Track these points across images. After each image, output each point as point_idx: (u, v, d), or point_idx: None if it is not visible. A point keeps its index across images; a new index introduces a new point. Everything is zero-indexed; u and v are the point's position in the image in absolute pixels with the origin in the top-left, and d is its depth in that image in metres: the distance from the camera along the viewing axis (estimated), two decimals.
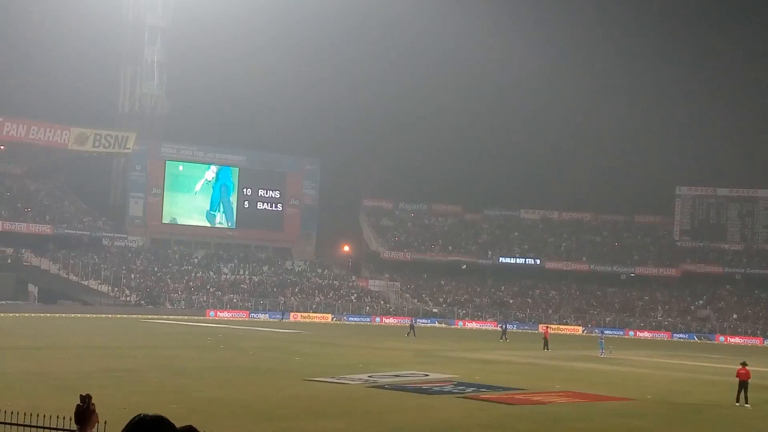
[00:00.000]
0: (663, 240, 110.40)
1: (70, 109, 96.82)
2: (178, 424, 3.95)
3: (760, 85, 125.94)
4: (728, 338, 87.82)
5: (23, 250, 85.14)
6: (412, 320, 72.90)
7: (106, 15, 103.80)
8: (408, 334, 63.95)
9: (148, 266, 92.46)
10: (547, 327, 67.10)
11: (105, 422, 9.88)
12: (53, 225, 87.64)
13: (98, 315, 73.70)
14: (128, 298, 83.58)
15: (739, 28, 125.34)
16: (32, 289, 78.63)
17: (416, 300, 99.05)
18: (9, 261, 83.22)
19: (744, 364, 29.09)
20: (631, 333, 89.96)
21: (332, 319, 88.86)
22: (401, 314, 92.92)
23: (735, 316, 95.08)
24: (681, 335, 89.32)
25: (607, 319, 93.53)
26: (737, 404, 28.11)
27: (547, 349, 53.90)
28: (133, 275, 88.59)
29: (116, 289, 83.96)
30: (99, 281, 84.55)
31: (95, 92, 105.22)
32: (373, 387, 28.50)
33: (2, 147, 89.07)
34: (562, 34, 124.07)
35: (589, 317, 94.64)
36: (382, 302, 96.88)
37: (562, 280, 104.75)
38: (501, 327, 70.17)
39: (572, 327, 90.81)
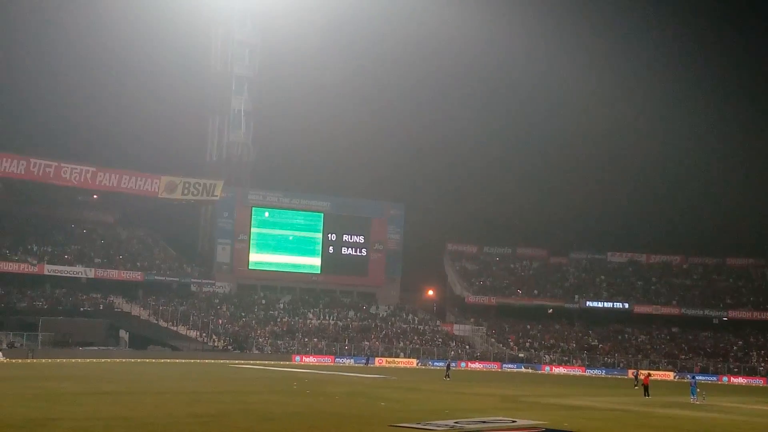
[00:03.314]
0: (756, 282, 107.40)
1: (160, 158, 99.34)
2: None
3: None
4: None
5: (115, 297, 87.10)
6: (448, 362, 72.36)
7: (195, 66, 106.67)
8: (446, 377, 63.19)
9: (235, 312, 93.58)
10: (648, 374, 64.71)
11: None
12: (143, 272, 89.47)
13: (187, 360, 74.73)
14: (216, 344, 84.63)
15: None
16: (123, 334, 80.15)
17: (501, 344, 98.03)
18: (101, 307, 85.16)
19: None
20: (725, 379, 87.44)
21: (417, 364, 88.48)
22: (487, 359, 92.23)
23: None
24: None
25: (700, 364, 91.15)
26: None
27: (647, 395, 52.51)
28: (220, 321, 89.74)
29: (204, 334, 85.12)
30: (187, 327, 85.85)
31: (184, 141, 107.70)
32: None
33: (95, 196, 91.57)
34: (655, 77, 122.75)
35: (680, 362, 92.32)
36: (467, 347, 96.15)
37: (652, 324, 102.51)
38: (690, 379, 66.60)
39: (663, 372, 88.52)
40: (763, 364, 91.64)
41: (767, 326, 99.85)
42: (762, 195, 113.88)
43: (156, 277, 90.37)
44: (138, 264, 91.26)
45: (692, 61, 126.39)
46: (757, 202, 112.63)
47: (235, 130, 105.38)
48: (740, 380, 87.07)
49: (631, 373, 71.08)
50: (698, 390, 52.42)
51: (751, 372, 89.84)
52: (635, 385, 63.00)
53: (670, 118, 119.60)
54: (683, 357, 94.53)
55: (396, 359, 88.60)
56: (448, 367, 67.69)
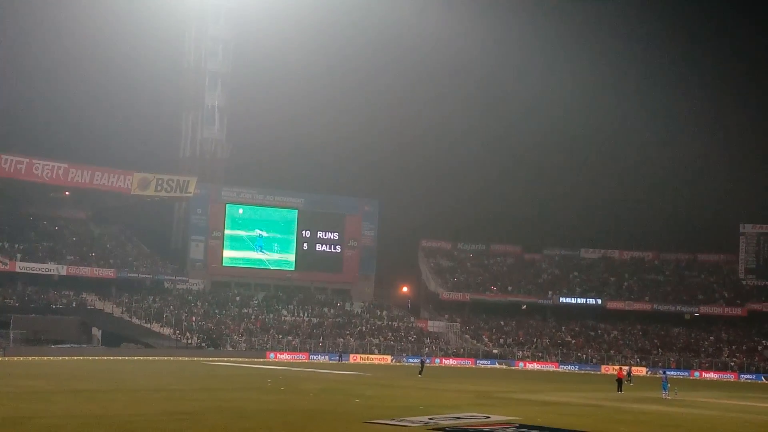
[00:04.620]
0: (728, 279, 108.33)
1: (133, 154, 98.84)
2: None
3: None
4: None
5: (87, 294, 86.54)
6: (422, 358, 72.25)
7: (168, 62, 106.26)
8: (420, 373, 63.07)
9: (208, 309, 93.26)
10: (620, 368, 65.43)
11: None
12: (116, 269, 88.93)
13: (160, 358, 74.40)
14: (189, 341, 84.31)
15: None
16: (96, 332, 79.70)
17: (476, 341, 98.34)
18: (73, 304, 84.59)
19: None
20: (697, 374, 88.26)
21: (391, 360, 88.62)
22: (462, 355, 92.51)
23: None
24: (748, 376, 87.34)
25: (672, 359, 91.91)
26: None
27: (620, 391, 52.95)
28: (194, 318, 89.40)
29: (178, 332, 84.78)
30: (161, 324, 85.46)
31: (157, 138, 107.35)
32: (434, 429, 28.24)
33: (67, 193, 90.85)
34: (623, 73, 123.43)
35: (652, 358, 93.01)
36: (442, 343, 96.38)
37: (625, 320, 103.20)
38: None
39: (635, 368, 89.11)
40: (734, 360, 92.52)
41: (738, 322, 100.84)
42: (732, 192, 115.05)
43: (129, 274, 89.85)
44: (111, 261, 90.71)
45: (669, 60, 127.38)
46: (728, 198, 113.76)
47: (209, 126, 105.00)
48: (711, 375, 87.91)
49: (616, 369, 71.57)
50: (670, 385, 52.93)
51: (723, 367, 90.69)
52: (627, 381, 62.95)
53: (645, 117, 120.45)
54: (655, 352, 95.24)
55: (370, 356, 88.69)
56: (422, 363, 67.77)
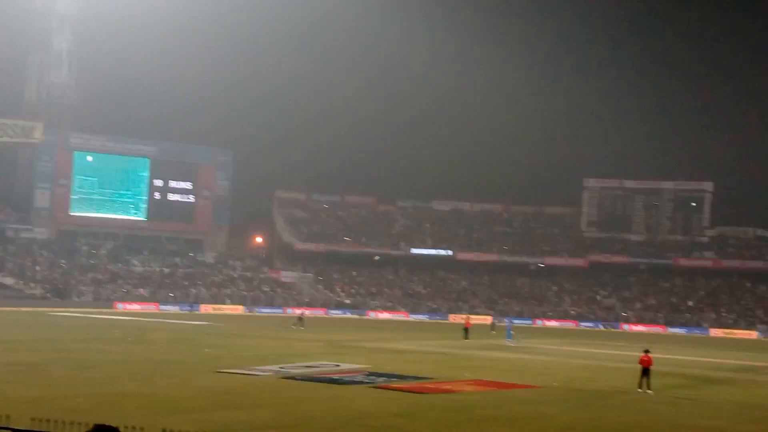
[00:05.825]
0: (571, 231, 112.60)
1: None
2: (84, 419, 4.02)
3: (665, 78, 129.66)
4: (632, 326, 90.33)
5: None
6: (301, 312, 72.41)
7: (14, 2, 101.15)
8: (295, 325, 62.02)
9: (54, 259, 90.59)
10: (468, 317, 67.89)
11: (8, 416, 9.82)
12: None
13: (2, 308, 71.93)
14: (33, 291, 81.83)
15: (649, 25, 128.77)
16: None
17: (329, 291, 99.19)
18: None
19: (646, 352, 29.95)
20: (540, 322, 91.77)
21: (244, 310, 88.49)
22: (314, 305, 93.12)
23: (639, 305, 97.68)
24: (587, 324, 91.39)
25: (517, 308, 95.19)
26: (640, 390, 28.97)
27: (467, 338, 54.84)
28: (38, 268, 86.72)
29: (21, 282, 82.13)
30: (3, 274, 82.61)
31: (1, 81, 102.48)
32: (284, 378, 28.57)
33: None
34: (469, 28, 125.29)
35: (498, 307, 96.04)
36: (295, 294, 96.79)
37: (474, 270, 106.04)
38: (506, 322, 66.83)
39: (483, 317, 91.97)
40: (574, 309, 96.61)
41: (579, 272, 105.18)
42: (578, 147, 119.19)
43: None
44: None
45: (514, 14, 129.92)
46: (573, 152, 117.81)
47: (57, 70, 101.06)
48: (554, 323, 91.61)
49: (464, 318, 74.26)
50: (514, 333, 55.04)
51: (564, 315, 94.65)
52: (492, 331, 65.26)
53: (492, 73, 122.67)
54: (501, 302, 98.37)
55: (222, 306, 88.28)
56: (302, 316, 66.66)
